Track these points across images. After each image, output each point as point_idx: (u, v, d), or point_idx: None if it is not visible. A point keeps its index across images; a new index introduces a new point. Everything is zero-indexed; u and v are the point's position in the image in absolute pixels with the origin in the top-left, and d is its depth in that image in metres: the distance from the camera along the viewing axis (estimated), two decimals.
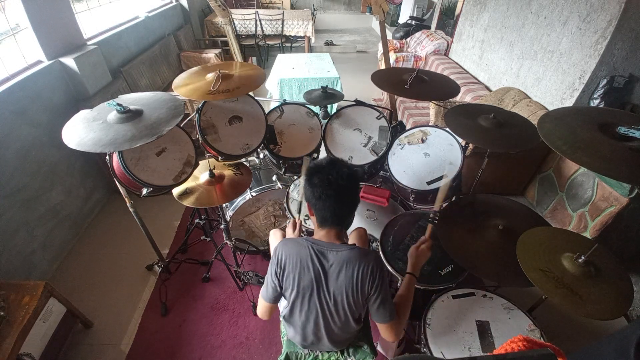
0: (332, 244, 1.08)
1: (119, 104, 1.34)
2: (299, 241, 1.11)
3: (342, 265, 1.05)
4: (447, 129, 1.76)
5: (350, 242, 1.61)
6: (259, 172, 2.23)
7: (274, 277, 1.11)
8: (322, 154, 1.95)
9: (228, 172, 1.78)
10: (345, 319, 1.11)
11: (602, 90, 2.17)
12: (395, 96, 3.24)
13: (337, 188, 1.04)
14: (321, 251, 1.07)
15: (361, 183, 1.95)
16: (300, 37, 6.07)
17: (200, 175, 1.73)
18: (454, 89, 1.71)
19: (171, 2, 4.74)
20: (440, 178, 1.69)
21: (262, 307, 1.18)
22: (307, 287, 1.08)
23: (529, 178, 2.76)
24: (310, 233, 1.74)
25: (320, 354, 1.26)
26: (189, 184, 1.67)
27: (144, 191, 1.53)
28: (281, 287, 1.12)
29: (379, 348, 1.71)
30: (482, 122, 1.55)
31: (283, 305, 1.26)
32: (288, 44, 6.02)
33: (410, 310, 1.16)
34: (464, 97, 3.25)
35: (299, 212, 1.65)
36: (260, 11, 5.71)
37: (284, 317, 1.21)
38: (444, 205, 1.76)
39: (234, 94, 1.52)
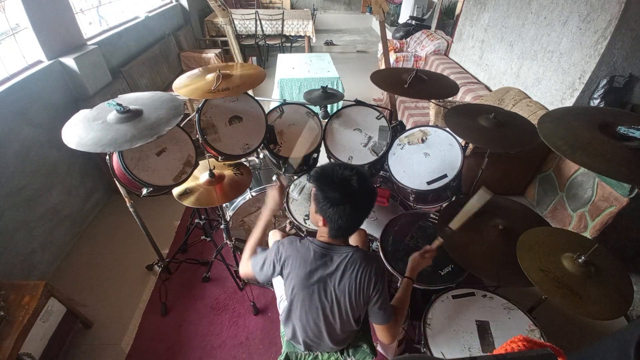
0: (336, 246, 1.09)
1: (118, 104, 1.34)
2: (303, 242, 1.12)
3: (346, 267, 1.05)
4: (447, 129, 1.76)
5: (351, 243, 1.61)
6: (259, 172, 2.23)
7: (271, 267, 1.13)
8: (322, 154, 1.95)
9: (228, 172, 1.78)
10: (346, 319, 1.11)
11: (602, 90, 2.17)
12: (395, 96, 3.24)
13: (357, 194, 1.00)
14: (325, 253, 1.08)
15: None
16: (300, 37, 6.07)
17: (200, 175, 1.73)
18: (453, 88, 1.72)
19: (171, 2, 4.74)
20: (440, 178, 1.69)
21: (247, 270, 1.21)
22: (309, 289, 1.08)
23: (529, 178, 2.76)
24: (310, 233, 1.74)
25: (320, 354, 1.26)
26: (189, 184, 1.66)
27: (144, 191, 1.53)
28: (276, 275, 1.14)
29: (378, 348, 1.71)
30: (482, 122, 1.55)
31: (283, 306, 1.26)
32: (288, 43, 6.02)
33: (406, 314, 1.18)
34: (464, 97, 3.25)
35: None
36: (260, 11, 5.71)
37: (283, 318, 1.20)
38: (444, 205, 1.76)
39: (234, 92, 1.52)
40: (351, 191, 0.99)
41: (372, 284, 1.05)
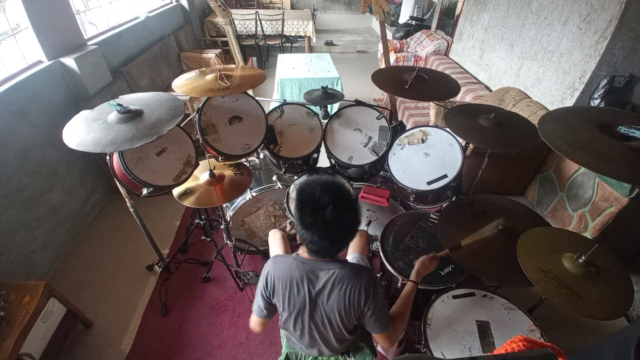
0: (323, 262, 1.04)
1: (119, 104, 1.34)
2: (289, 261, 1.07)
3: (334, 285, 1.01)
4: (447, 129, 1.76)
5: (351, 244, 1.61)
6: (259, 172, 2.23)
7: (263, 297, 1.09)
8: (323, 154, 1.95)
9: (228, 172, 1.78)
10: (339, 331, 1.10)
11: (603, 90, 2.17)
12: (396, 96, 3.23)
13: (329, 224, 0.91)
14: (312, 271, 1.03)
15: (361, 183, 1.95)
16: (300, 37, 6.07)
17: (201, 175, 1.73)
18: (454, 88, 1.72)
19: (171, 2, 4.74)
20: (440, 178, 1.69)
21: (254, 321, 1.16)
22: (298, 308, 1.06)
23: (529, 178, 2.76)
24: None
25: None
26: (189, 184, 1.66)
27: (144, 191, 1.53)
28: (271, 305, 1.10)
29: (379, 348, 1.70)
30: (483, 122, 1.55)
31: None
32: (288, 44, 6.02)
33: (407, 317, 1.15)
34: (464, 97, 3.25)
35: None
36: (261, 11, 5.71)
37: (280, 325, 1.20)
38: (444, 205, 1.77)
39: (234, 91, 1.52)
40: (323, 220, 0.91)
41: (363, 300, 1.01)
